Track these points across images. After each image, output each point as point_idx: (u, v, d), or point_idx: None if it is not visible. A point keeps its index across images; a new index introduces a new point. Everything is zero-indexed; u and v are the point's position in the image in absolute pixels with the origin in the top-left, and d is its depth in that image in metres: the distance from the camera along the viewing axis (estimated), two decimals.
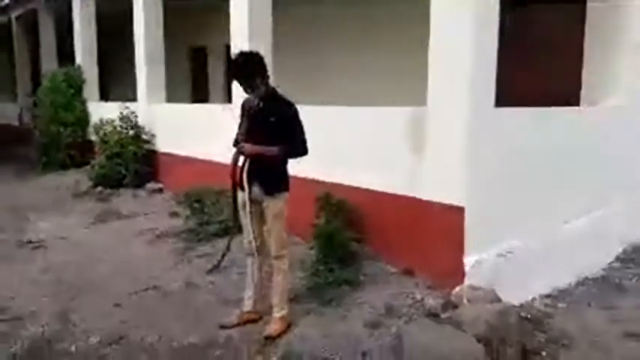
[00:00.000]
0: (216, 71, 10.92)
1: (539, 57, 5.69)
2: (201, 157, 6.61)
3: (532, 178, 4.11)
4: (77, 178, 8.58)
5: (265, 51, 5.15)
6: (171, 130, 7.68)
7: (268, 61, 3.44)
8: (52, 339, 3.47)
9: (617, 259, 5.10)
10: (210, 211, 5.56)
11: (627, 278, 4.66)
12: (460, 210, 3.58)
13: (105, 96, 10.97)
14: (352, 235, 4.15)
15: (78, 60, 10.18)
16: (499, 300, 3.34)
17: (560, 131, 4.36)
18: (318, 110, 4.54)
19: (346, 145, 4.52)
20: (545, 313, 3.99)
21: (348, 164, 4.49)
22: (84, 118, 9.75)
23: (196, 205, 5.72)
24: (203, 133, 6.62)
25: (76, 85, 9.82)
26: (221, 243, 4.97)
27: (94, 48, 10.05)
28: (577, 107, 5.06)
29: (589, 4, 5.28)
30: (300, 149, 3.39)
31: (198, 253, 4.98)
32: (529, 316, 3.85)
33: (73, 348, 3.37)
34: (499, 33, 6.06)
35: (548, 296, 4.28)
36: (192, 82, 11.90)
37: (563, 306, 4.13)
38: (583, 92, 5.36)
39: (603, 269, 4.89)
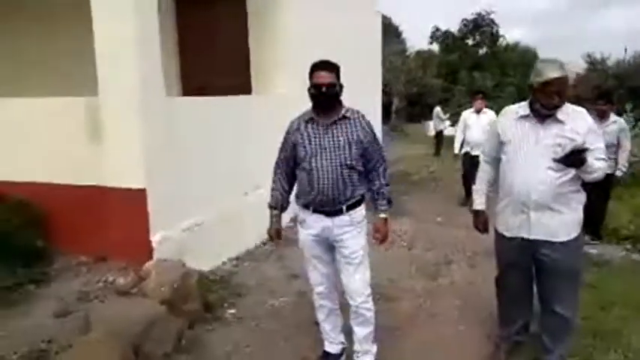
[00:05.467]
0: None
1: (217, 53, 6.41)
2: None
3: (212, 159, 4.67)
4: None
5: None
6: None
7: None
8: None
9: (290, 219, 6.20)
10: None
11: (295, 233, 5.74)
12: (141, 192, 3.87)
13: None
14: (36, 233, 4.00)
15: None
16: (184, 267, 3.76)
17: (234, 117, 5.05)
18: None
19: (18, 140, 4.31)
20: (231, 272, 4.66)
21: (24, 160, 4.29)
22: None
23: None
24: None
25: None
26: None
27: None
28: (248, 96, 5.86)
29: (248, 5, 6.15)
30: None
31: None
32: (217, 277, 4.46)
33: None
34: (179, 33, 6.58)
35: (237, 258, 4.99)
36: None
37: (247, 264, 4.89)
38: (253, 83, 6.26)
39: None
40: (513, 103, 3.07)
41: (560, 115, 2.72)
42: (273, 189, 3.07)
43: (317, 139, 2.84)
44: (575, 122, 2.72)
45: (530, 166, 2.75)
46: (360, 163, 2.87)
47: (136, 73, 3.77)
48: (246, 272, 4.68)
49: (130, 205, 3.89)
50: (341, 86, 2.86)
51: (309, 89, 2.83)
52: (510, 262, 3.02)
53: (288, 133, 2.98)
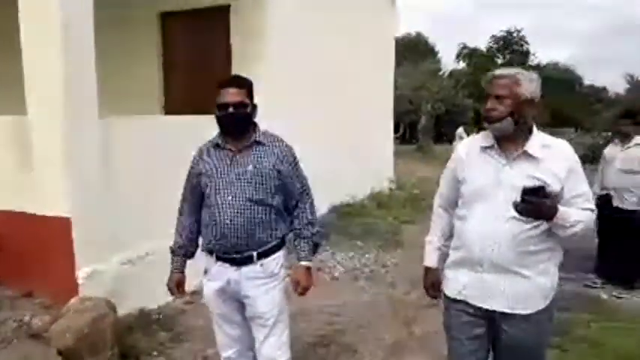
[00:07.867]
0: None
1: (201, 69, 6.11)
2: None
3: (161, 184, 4.17)
4: None
5: None
6: None
7: None
8: None
9: None
10: None
11: None
12: (66, 221, 3.48)
13: None
14: None
15: None
16: (107, 306, 3.32)
17: (192, 138, 4.58)
18: None
19: None
20: (180, 310, 4.19)
21: None
22: None
23: None
24: None
25: None
26: None
27: None
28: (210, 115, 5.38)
29: (232, 19, 5.81)
30: None
31: None
32: (160, 317, 4.00)
33: None
34: (163, 50, 6.33)
35: (192, 293, 4.48)
36: None
37: (203, 301, 4.38)
38: None
39: None
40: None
41: (531, 148, 2.06)
42: (176, 230, 2.58)
43: (222, 169, 2.36)
44: (553, 160, 2.06)
45: (488, 215, 2.09)
46: (275, 198, 2.38)
47: (64, 94, 3.41)
48: (197, 311, 4.19)
49: (55, 234, 3.52)
50: (254, 106, 2.40)
51: (214, 110, 2.38)
52: (457, 337, 2.28)
53: (193, 161, 2.51)
